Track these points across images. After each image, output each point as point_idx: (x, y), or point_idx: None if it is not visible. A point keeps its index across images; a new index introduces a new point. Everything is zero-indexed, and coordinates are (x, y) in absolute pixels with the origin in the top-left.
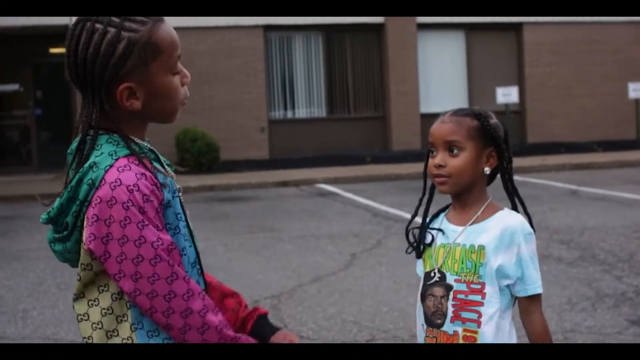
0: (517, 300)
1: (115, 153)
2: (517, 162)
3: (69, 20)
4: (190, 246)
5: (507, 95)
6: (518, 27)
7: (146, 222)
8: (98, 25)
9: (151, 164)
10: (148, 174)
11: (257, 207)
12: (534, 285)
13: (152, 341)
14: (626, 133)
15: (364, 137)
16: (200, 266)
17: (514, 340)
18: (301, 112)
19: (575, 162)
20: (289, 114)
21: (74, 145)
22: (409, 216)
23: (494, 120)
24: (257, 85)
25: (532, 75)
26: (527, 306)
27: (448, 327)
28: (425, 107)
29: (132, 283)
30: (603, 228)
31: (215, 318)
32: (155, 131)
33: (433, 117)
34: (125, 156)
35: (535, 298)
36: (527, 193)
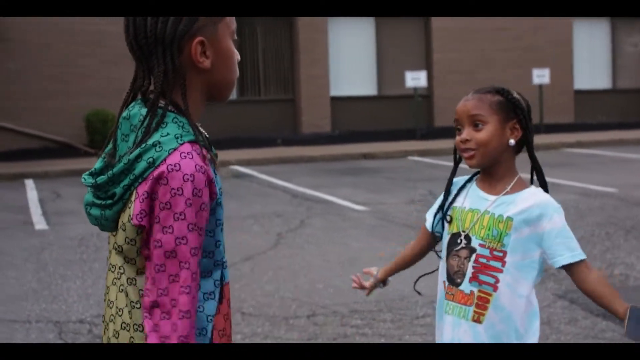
0: (566, 270)
1: (181, 137)
2: (427, 145)
3: None
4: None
5: (416, 79)
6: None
7: (183, 217)
8: None
9: (209, 155)
10: (206, 168)
11: None
12: (576, 251)
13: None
14: None
15: (274, 120)
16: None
17: (529, 314)
18: None
19: None
20: None
21: (134, 111)
22: (328, 197)
23: (515, 94)
24: None
25: (440, 60)
26: (578, 271)
27: (465, 286)
28: (335, 91)
29: (152, 248)
30: None
31: (187, 329)
32: (66, 112)
33: (343, 100)
34: (190, 142)
35: (582, 263)
36: (440, 175)
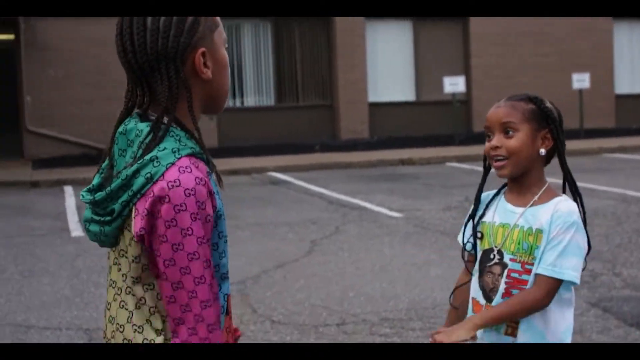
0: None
1: (179, 151)
2: (465, 150)
3: None
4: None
5: (454, 84)
6: (465, 18)
7: (190, 232)
8: None
9: (207, 166)
10: (206, 180)
11: None
12: (557, 268)
13: None
14: (570, 123)
15: (312, 126)
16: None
17: (562, 331)
18: (250, 101)
19: None
20: (238, 103)
21: (130, 125)
22: (364, 204)
23: (548, 103)
24: None
25: (478, 65)
26: (539, 283)
27: (498, 302)
28: (374, 96)
29: (163, 267)
30: None
31: (219, 339)
32: (105, 118)
33: (381, 105)
34: (187, 156)
35: (550, 281)
36: (478, 181)
